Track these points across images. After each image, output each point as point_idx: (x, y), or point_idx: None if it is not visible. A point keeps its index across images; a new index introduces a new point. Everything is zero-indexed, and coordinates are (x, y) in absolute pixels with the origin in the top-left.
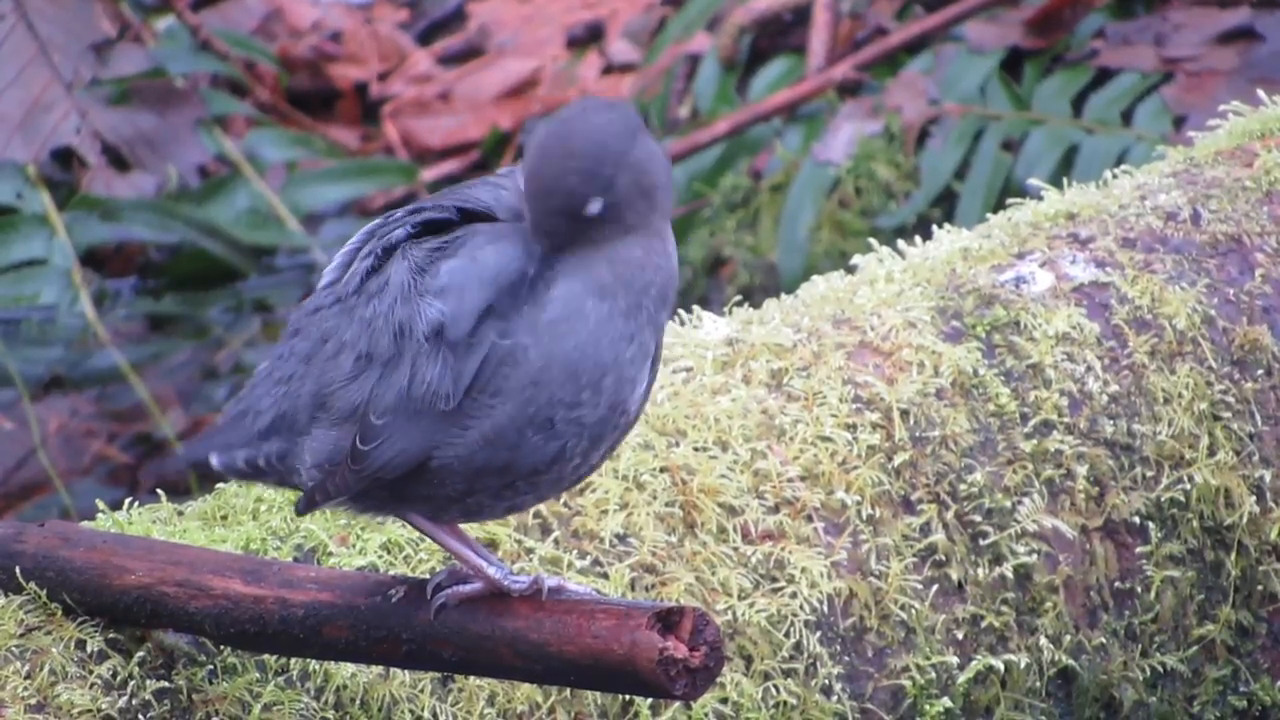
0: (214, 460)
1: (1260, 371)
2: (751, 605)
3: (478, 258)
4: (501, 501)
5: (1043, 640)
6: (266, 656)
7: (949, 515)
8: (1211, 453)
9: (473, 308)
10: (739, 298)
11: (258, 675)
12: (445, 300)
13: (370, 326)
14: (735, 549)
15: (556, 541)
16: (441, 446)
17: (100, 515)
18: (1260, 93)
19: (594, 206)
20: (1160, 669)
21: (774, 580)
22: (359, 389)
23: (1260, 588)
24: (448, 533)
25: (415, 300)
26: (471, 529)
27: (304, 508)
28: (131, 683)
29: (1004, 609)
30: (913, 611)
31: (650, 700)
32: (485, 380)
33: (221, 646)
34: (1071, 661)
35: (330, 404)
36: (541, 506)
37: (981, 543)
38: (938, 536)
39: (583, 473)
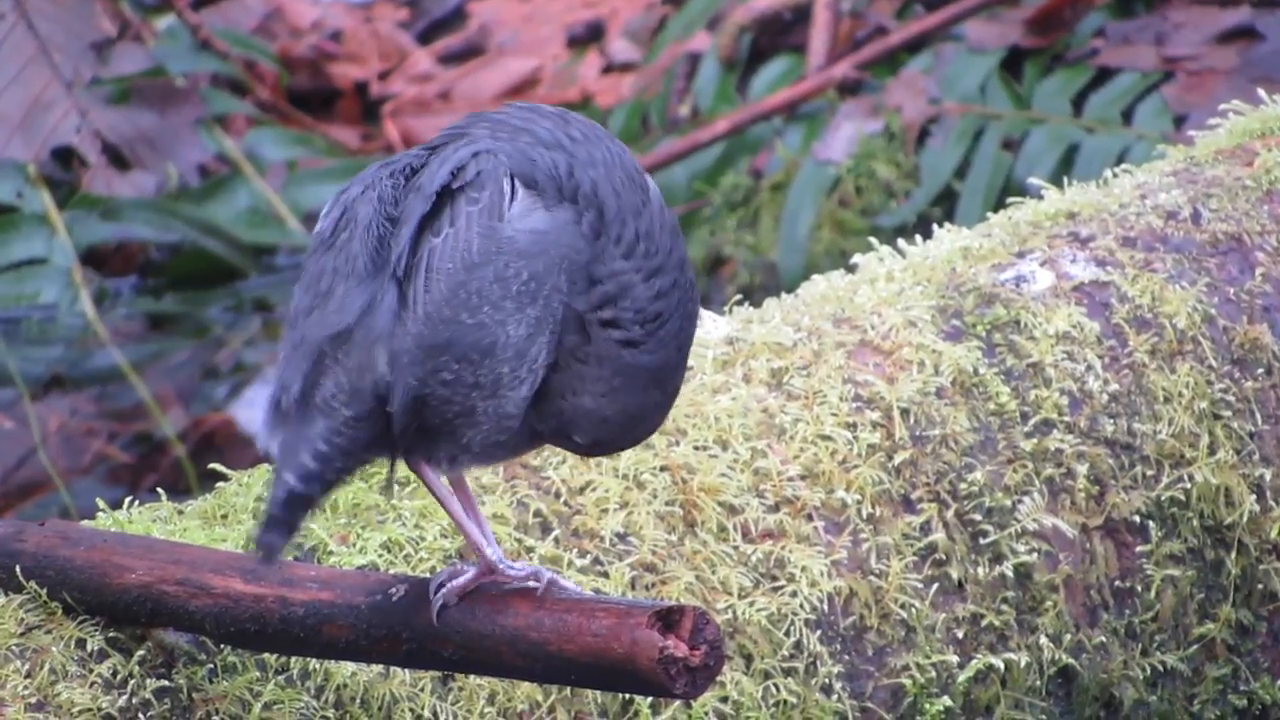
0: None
1: (1260, 370)
2: (751, 604)
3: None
4: (469, 431)
5: (1043, 639)
6: (267, 655)
7: (949, 514)
8: (1212, 451)
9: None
10: (739, 297)
11: (258, 674)
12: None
13: (347, 255)
14: (735, 548)
15: (556, 540)
16: (397, 339)
17: (100, 514)
18: (1260, 92)
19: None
20: (1160, 668)
21: (774, 579)
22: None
23: (1260, 586)
24: (449, 495)
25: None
26: None
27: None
28: (132, 681)
29: (1004, 608)
30: (913, 610)
31: (650, 699)
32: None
33: (222, 645)
34: (1071, 660)
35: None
36: (542, 505)
37: (982, 541)
38: (938, 535)
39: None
